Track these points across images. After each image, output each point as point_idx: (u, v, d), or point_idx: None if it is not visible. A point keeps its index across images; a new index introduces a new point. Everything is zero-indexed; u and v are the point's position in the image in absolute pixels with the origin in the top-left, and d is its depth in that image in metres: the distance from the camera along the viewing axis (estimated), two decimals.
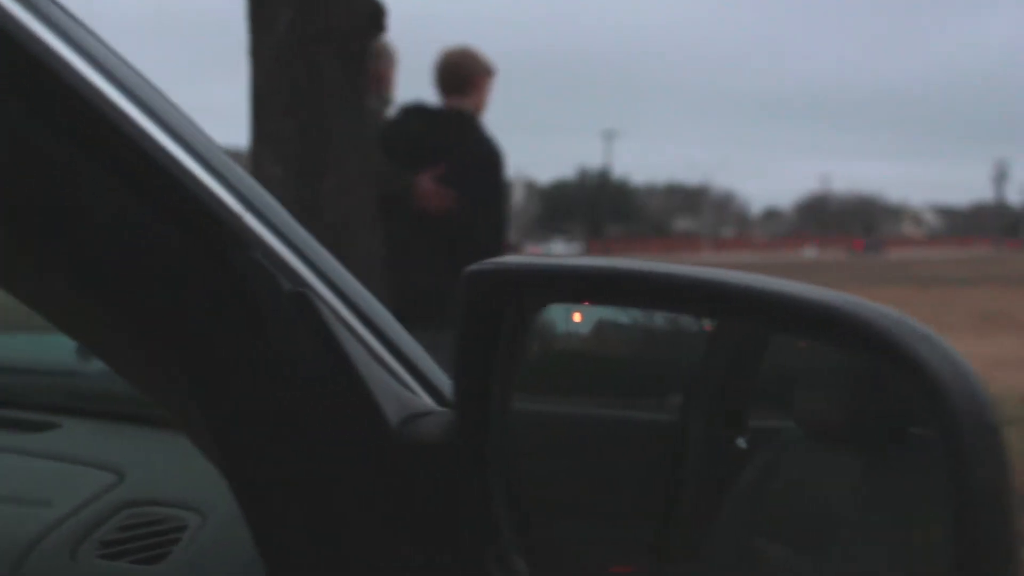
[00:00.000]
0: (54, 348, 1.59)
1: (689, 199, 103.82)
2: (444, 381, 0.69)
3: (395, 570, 0.59)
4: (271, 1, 3.05)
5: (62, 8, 0.50)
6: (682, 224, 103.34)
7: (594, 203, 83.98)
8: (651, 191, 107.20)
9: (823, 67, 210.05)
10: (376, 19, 3.24)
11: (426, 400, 0.65)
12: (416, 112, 3.61)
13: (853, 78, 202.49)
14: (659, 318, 0.60)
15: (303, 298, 0.57)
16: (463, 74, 3.56)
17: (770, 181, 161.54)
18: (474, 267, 0.57)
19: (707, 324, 0.61)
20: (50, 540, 0.81)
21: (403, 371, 0.65)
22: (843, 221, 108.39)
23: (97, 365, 1.37)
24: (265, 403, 0.57)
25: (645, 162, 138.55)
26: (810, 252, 69.87)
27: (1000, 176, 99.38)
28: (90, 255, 0.51)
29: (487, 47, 3.83)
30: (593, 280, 0.56)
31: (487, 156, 3.54)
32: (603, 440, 0.62)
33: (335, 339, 0.58)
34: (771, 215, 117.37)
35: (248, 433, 0.58)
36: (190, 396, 0.57)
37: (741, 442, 0.59)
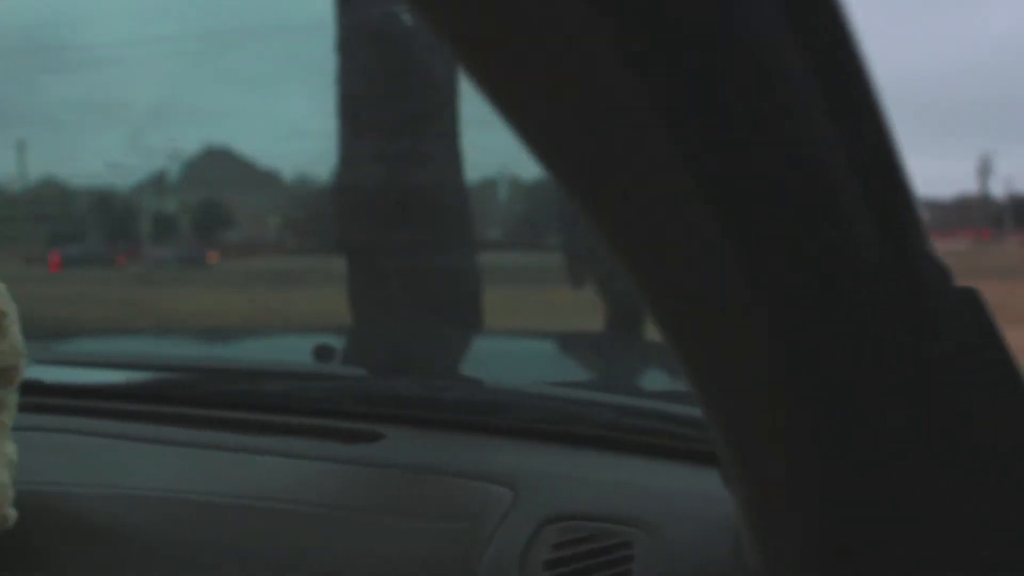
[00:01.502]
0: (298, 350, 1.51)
1: None
2: None
3: None
4: None
5: None
6: None
7: None
8: None
9: None
10: None
11: None
12: None
13: None
14: None
15: (973, 295, 0.51)
16: None
17: None
18: None
19: None
20: (487, 562, 0.74)
21: None
22: None
23: (333, 366, 1.28)
24: (929, 409, 0.50)
25: None
26: None
27: (984, 169, 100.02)
28: (792, 250, 0.44)
29: None
30: None
31: None
32: None
33: (1001, 339, 0.52)
34: None
35: (892, 443, 0.51)
36: (809, 403, 0.49)
37: None
